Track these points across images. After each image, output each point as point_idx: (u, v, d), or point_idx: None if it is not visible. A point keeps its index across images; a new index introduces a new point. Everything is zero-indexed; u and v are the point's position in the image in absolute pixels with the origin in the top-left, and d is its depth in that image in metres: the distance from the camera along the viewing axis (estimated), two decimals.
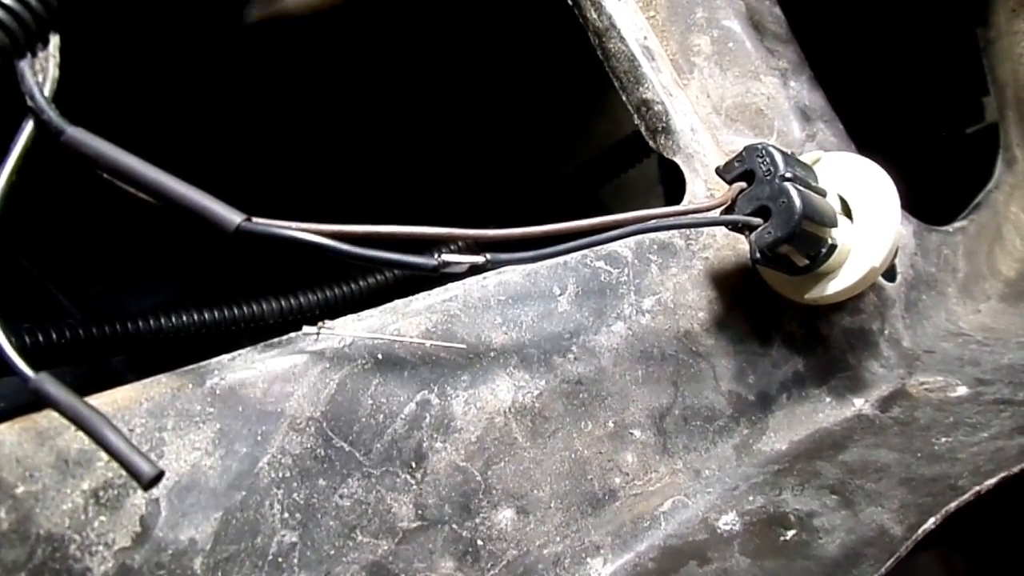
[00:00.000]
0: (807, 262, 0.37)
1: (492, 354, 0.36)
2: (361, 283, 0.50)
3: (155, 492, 0.28)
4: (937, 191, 0.54)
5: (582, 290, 0.38)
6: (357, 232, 0.30)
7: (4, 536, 0.26)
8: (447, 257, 0.30)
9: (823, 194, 0.38)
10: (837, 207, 0.39)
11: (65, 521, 0.27)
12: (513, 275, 0.37)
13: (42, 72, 0.29)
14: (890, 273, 0.46)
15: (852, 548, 0.30)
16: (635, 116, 0.47)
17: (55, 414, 0.28)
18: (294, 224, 0.30)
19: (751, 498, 0.35)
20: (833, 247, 0.37)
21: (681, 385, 0.38)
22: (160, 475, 0.24)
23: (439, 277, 0.31)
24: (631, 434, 0.37)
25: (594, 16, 0.47)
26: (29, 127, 0.28)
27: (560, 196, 0.70)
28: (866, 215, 0.38)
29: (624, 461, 0.36)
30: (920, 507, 0.30)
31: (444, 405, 0.34)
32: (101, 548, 0.27)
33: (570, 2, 0.48)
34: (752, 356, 0.41)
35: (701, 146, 0.46)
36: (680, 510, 0.35)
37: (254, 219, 0.29)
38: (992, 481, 0.30)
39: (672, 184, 0.46)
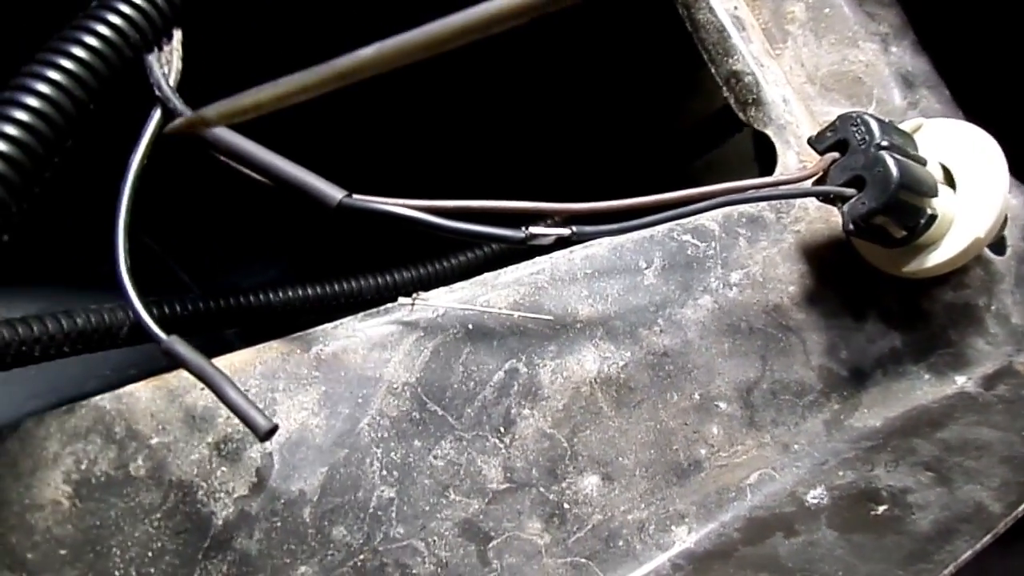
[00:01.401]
0: (904, 233, 0.36)
1: (578, 326, 0.36)
2: (453, 260, 0.52)
3: (268, 446, 0.31)
4: None
5: (668, 263, 0.39)
6: (449, 207, 0.32)
7: (142, 481, 0.29)
8: (534, 229, 0.31)
9: (923, 163, 0.36)
10: (939, 176, 0.37)
11: (193, 470, 0.30)
12: (599, 249, 0.38)
13: (167, 64, 0.32)
14: (999, 246, 0.43)
15: (946, 524, 0.29)
16: (724, 89, 0.46)
17: (184, 374, 0.31)
18: (391, 200, 0.32)
19: (841, 473, 0.35)
20: (933, 218, 0.35)
21: (769, 359, 0.38)
22: (274, 429, 0.27)
23: (527, 249, 0.32)
24: (717, 406, 0.37)
25: None
26: (157, 115, 0.31)
27: (651, 172, 0.69)
28: (970, 184, 0.36)
29: (709, 433, 0.36)
30: (1022, 486, 0.29)
31: (532, 374, 0.35)
32: (223, 495, 0.30)
33: None
34: (845, 331, 0.40)
35: (794, 117, 0.45)
36: (767, 483, 0.35)
37: (354, 195, 0.31)
38: None
39: (766, 159, 0.45)
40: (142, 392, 0.31)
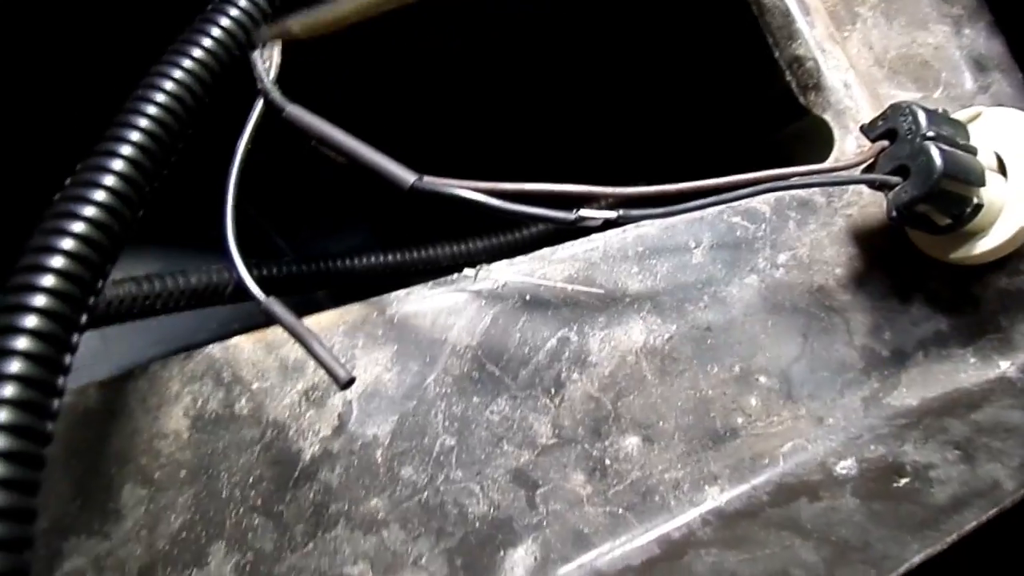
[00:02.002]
0: (949, 221, 0.37)
1: (627, 299, 0.40)
2: (516, 234, 0.56)
3: (348, 395, 0.36)
4: None
5: (717, 243, 0.41)
6: (508, 189, 0.35)
7: (245, 419, 0.35)
8: (583, 212, 0.34)
9: (972, 152, 0.37)
10: (993, 164, 0.38)
11: (285, 412, 0.36)
12: (651, 228, 0.41)
13: (268, 60, 0.37)
14: None
15: (961, 498, 0.31)
16: (786, 73, 0.47)
17: (280, 330, 0.36)
18: (456, 182, 0.35)
19: (872, 447, 0.37)
20: (979, 207, 0.36)
21: (811, 337, 0.40)
22: (352, 380, 0.31)
23: (577, 230, 0.36)
24: (756, 379, 0.39)
25: None
26: (259, 105, 0.36)
27: (721, 150, 0.70)
28: (1022, 172, 0.37)
29: (747, 403, 0.39)
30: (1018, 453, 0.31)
31: (582, 342, 0.39)
32: (310, 435, 0.36)
33: None
34: (890, 313, 0.41)
35: (854, 102, 0.45)
36: (799, 452, 0.38)
37: (425, 178, 0.35)
38: None
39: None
40: (245, 344, 0.36)
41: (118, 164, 0.29)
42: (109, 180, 0.29)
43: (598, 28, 0.63)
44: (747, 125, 0.67)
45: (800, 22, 0.47)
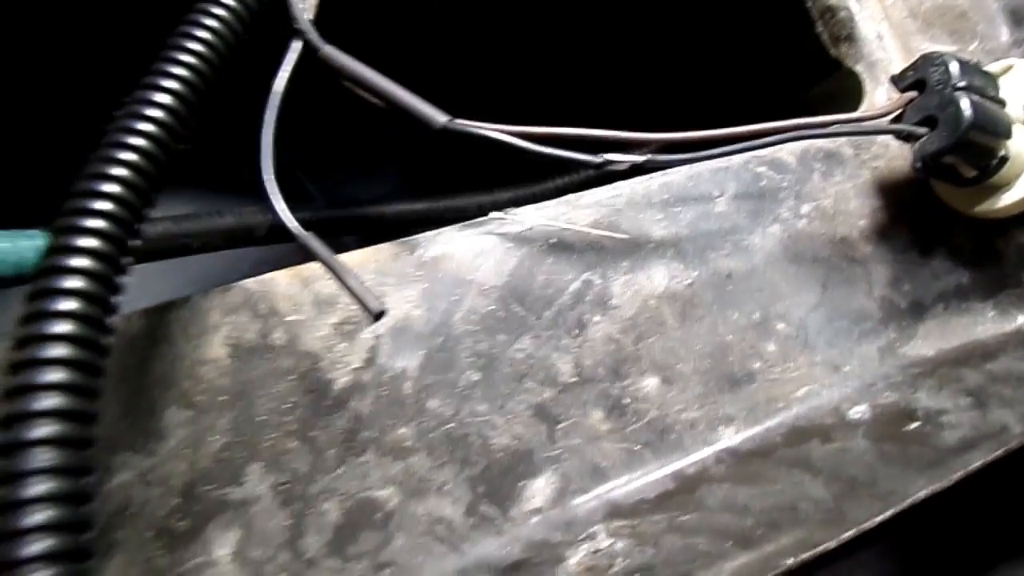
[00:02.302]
0: (975, 173, 0.37)
1: (651, 245, 0.40)
2: (541, 185, 0.57)
3: (379, 329, 0.37)
4: None
5: (741, 193, 0.41)
6: (539, 133, 0.36)
7: (280, 349, 0.37)
8: (610, 156, 0.35)
9: (1002, 104, 0.37)
10: (1021, 117, 0.38)
11: (319, 344, 0.37)
12: (676, 176, 0.41)
13: (305, 0, 0.38)
14: None
15: (969, 441, 0.32)
16: (818, 24, 0.47)
17: (314, 267, 0.37)
18: (488, 125, 0.36)
19: (886, 394, 0.38)
20: (1004, 159, 0.36)
21: (831, 287, 0.41)
22: (384, 312, 0.33)
23: (605, 174, 0.36)
24: (775, 326, 0.40)
25: None
26: (296, 45, 0.37)
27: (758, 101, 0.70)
28: None
29: (765, 349, 0.40)
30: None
31: (604, 285, 0.40)
32: (342, 366, 0.37)
33: None
34: (911, 265, 0.42)
35: (886, 53, 0.45)
36: (813, 397, 0.39)
37: (456, 120, 0.36)
38: None
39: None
40: (281, 278, 0.38)
41: (161, 99, 0.30)
42: (149, 123, 0.30)
43: None
44: (776, 82, 0.67)
45: (852, 4, 0.46)
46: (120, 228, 0.26)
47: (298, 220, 0.55)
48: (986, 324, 0.41)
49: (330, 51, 0.36)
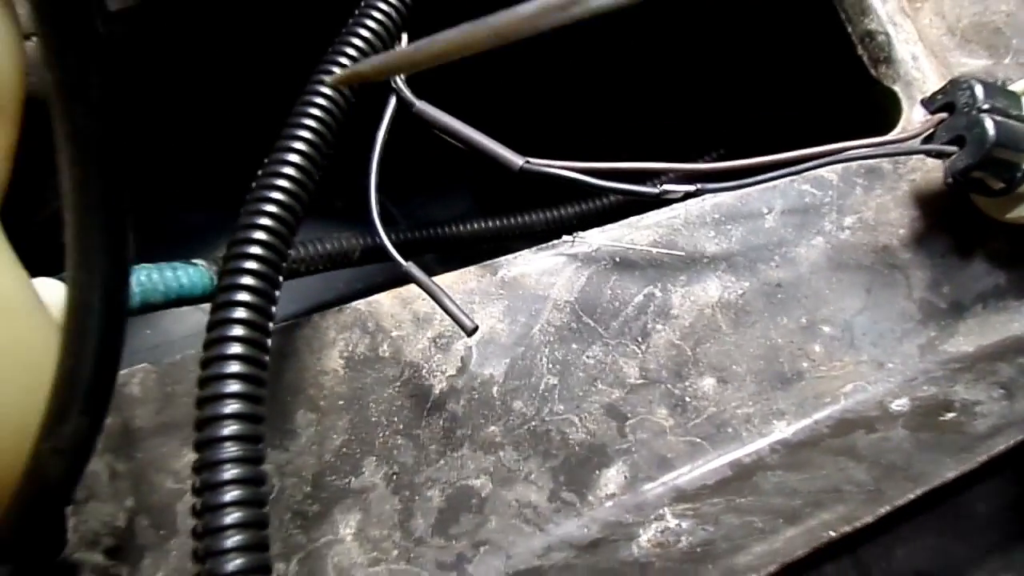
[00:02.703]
0: (1002, 185, 0.40)
1: (705, 260, 0.45)
2: (601, 201, 0.62)
3: (469, 341, 0.44)
4: None
5: (788, 209, 0.46)
6: (602, 168, 0.42)
7: (386, 360, 0.43)
8: (667, 187, 0.40)
9: None
10: None
11: (419, 355, 0.44)
12: (727, 197, 0.46)
13: None
14: None
15: (996, 428, 0.36)
16: (859, 47, 0.51)
17: (412, 288, 0.44)
18: (559, 163, 0.42)
19: (926, 388, 0.42)
20: None
21: (874, 291, 0.45)
22: (476, 328, 0.39)
23: (661, 202, 0.42)
24: (821, 329, 0.44)
25: None
26: (392, 101, 0.43)
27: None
28: None
29: (812, 350, 0.44)
30: None
31: (665, 297, 0.45)
32: (439, 374, 0.43)
33: None
34: (950, 269, 0.45)
35: (921, 73, 0.49)
36: (859, 393, 0.43)
37: (531, 160, 0.42)
38: None
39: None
40: (384, 300, 0.44)
41: (300, 148, 0.37)
42: (291, 168, 0.37)
43: (681, 8, 0.67)
44: (822, 96, 0.71)
45: None
46: (279, 258, 0.33)
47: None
48: (1022, 321, 0.45)
49: (422, 106, 0.42)
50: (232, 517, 0.28)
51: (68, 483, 0.27)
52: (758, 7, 0.66)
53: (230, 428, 0.29)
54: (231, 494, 0.29)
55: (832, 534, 0.32)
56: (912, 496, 0.33)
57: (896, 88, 0.49)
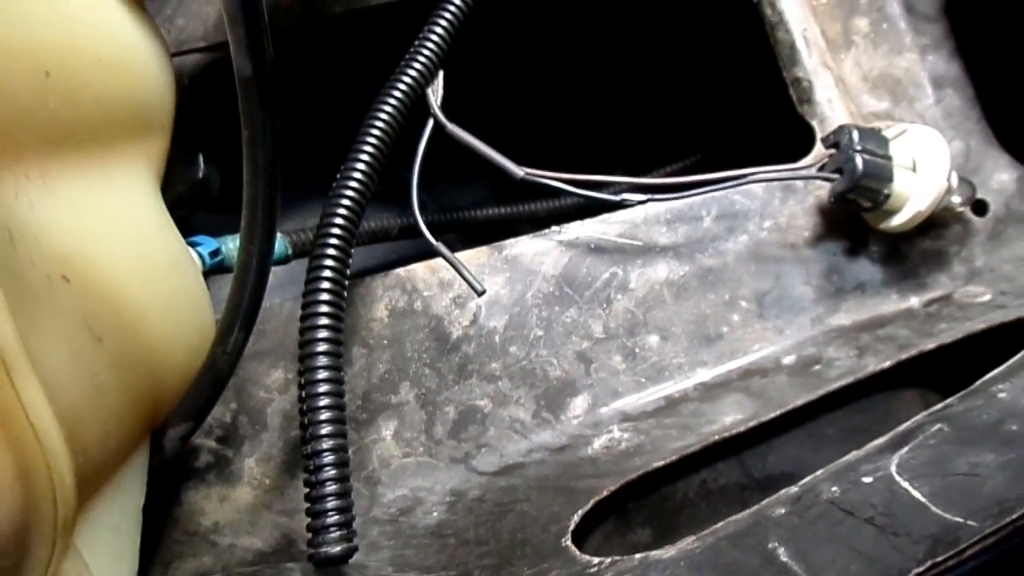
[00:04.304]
0: (870, 204, 0.56)
1: (657, 249, 0.61)
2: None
3: (480, 301, 0.60)
4: None
5: (722, 214, 0.61)
6: (581, 179, 0.57)
7: (419, 312, 0.59)
8: (625, 196, 0.56)
9: (888, 159, 0.55)
10: (909, 164, 0.56)
11: (442, 310, 0.60)
12: (677, 203, 0.62)
13: (435, 93, 0.60)
14: (981, 209, 0.61)
15: (842, 375, 0.51)
16: (790, 88, 0.66)
17: (440, 261, 0.60)
18: (550, 174, 0.58)
19: (809, 349, 0.57)
20: (888, 196, 0.55)
21: (781, 278, 0.60)
22: (484, 291, 0.55)
23: (622, 208, 0.57)
24: (739, 304, 0.60)
25: (769, 12, 0.66)
26: (430, 124, 0.59)
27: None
28: (925, 171, 0.55)
29: (732, 319, 0.60)
30: (891, 357, 0.51)
31: (625, 275, 0.60)
32: (457, 324, 0.60)
33: (754, 1, 0.67)
34: (839, 263, 0.61)
35: (833, 112, 0.64)
36: (762, 351, 0.59)
37: (529, 170, 0.57)
38: (931, 343, 0.49)
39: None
40: (418, 268, 0.61)
41: (367, 156, 0.53)
42: (360, 174, 0.52)
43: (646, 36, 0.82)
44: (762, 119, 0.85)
45: (802, 52, 0.65)
46: (350, 241, 0.49)
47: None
48: (888, 304, 0.60)
49: (452, 129, 0.58)
50: (325, 401, 0.45)
51: (229, 373, 0.43)
52: (720, 54, 0.80)
53: (323, 347, 0.46)
54: (324, 386, 0.45)
55: (716, 438, 0.49)
56: (775, 415, 0.49)
57: (813, 123, 0.64)
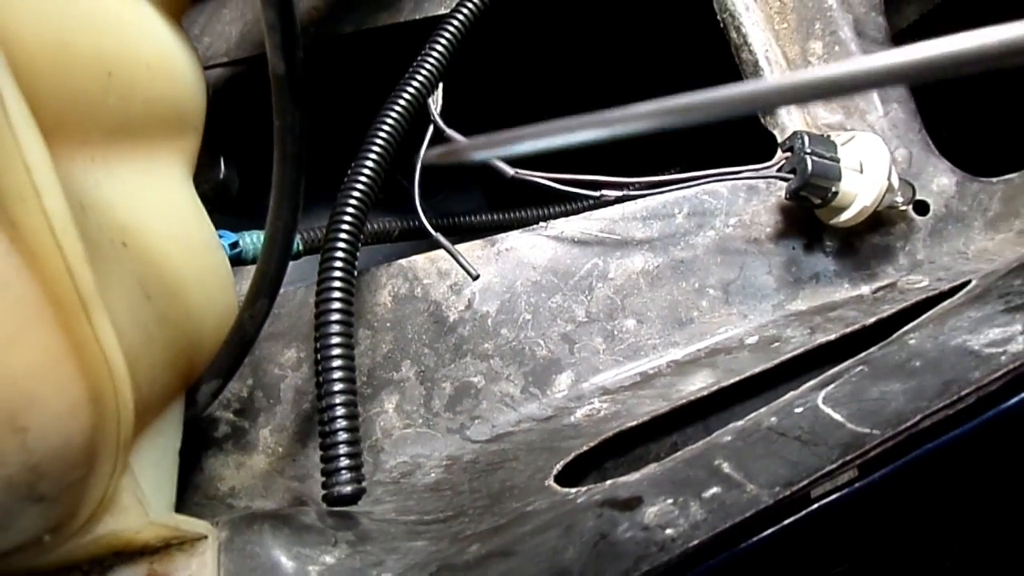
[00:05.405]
0: (819, 202, 0.63)
1: (634, 243, 0.68)
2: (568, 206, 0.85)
3: (474, 287, 0.66)
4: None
5: (691, 211, 0.68)
6: (566, 178, 0.64)
7: (419, 299, 0.66)
8: (603, 192, 0.62)
9: (836, 161, 0.62)
10: (856, 167, 0.63)
11: (440, 296, 0.66)
12: (651, 201, 0.69)
13: (436, 103, 0.67)
14: (922, 208, 0.68)
15: (794, 348, 0.58)
16: None
17: (439, 252, 0.67)
18: (538, 173, 0.65)
19: (769, 330, 0.64)
20: (835, 193, 0.62)
21: (745, 268, 0.67)
22: (479, 277, 0.62)
23: (602, 203, 0.64)
24: (708, 291, 0.67)
25: (735, 35, 0.74)
26: (431, 131, 0.66)
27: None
28: (869, 172, 0.62)
29: (701, 305, 0.67)
30: (841, 330, 0.57)
31: (605, 266, 0.67)
32: (453, 308, 0.66)
33: (721, 25, 0.75)
34: (798, 255, 0.68)
35: (792, 123, 0.71)
36: (728, 333, 0.65)
37: (517, 171, 0.64)
38: (872, 319, 0.56)
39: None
40: (419, 259, 0.67)
41: (374, 155, 0.60)
42: (366, 174, 0.59)
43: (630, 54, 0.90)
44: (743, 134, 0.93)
45: (765, 71, 0.72)
46: (358, 234, 0.56)
47: (417, 227, 0.85)
48: (841, 292, 0.67)
49: (450, 134, 0.65)
50: (337, 362, 0.51)
51: (255, 335, 0.49)
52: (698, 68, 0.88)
53: (336, 316, 0.52)
54: (337, 350, 0.51)
55: (683, 401, 0.55)
56: (734, 380, 0.55)
57: (775, 132, 0.71)
